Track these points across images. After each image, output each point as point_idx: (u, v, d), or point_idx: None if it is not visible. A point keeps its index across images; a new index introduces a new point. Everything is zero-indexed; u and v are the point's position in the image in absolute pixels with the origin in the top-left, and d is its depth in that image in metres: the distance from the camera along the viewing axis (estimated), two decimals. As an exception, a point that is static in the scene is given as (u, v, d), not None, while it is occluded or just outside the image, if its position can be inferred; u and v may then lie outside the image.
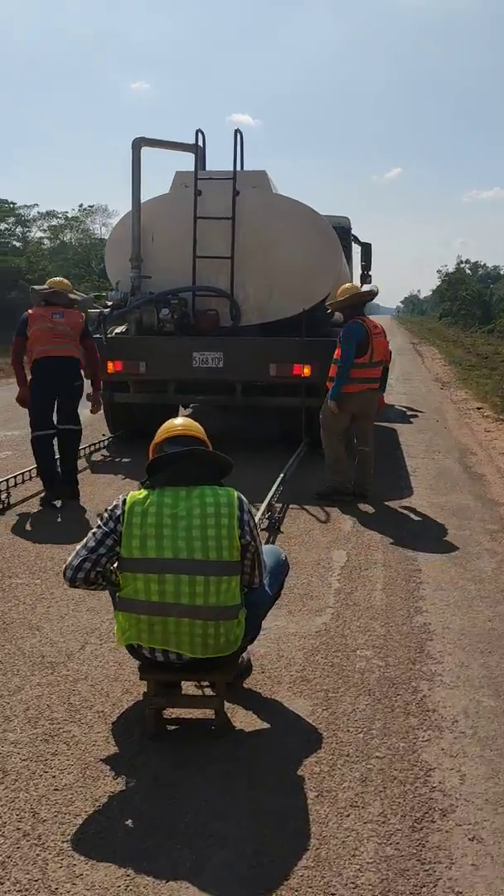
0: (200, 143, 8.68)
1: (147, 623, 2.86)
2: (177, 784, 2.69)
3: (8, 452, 8.24)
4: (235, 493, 2.95)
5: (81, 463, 7.67)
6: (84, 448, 8.11)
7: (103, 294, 9.00)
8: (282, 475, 6.55)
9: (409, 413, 11.76)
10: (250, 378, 8.14)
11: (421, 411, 11.94)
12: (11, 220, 52.56)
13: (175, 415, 9.50)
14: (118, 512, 2.89)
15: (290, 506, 6.30)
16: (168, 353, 8.15)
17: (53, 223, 51.83)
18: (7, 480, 6.40)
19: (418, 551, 5.23)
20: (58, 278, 6.92)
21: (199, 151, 8.58)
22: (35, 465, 6.54)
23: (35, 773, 2.73)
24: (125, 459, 8.25)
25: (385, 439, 9.38)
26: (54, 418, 6.45)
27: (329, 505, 6.34)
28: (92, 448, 8.40)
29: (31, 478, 6.77)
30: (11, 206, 52.30)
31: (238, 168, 8.56)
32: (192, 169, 8.74)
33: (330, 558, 5.09)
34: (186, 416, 5.23)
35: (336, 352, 6.54)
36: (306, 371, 7.74)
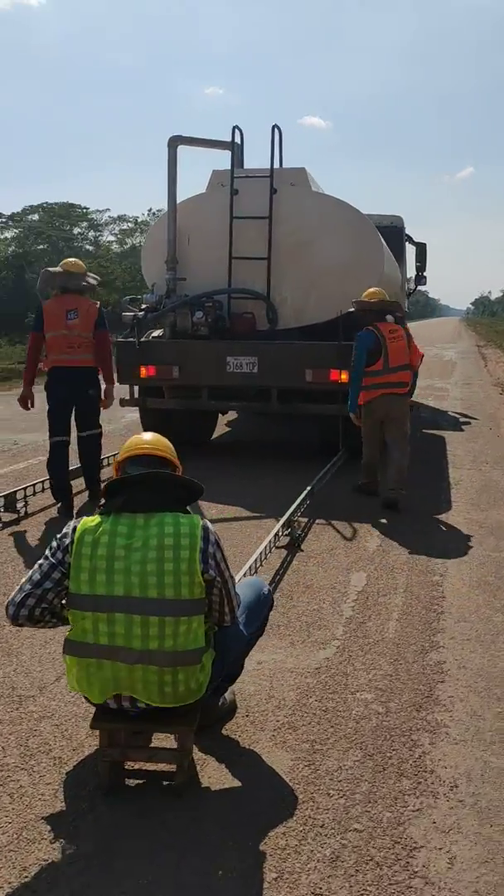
0: (238, 139, 8.35)
1: (97, 667, 2.55)
2: (118, 855, 2.36)
3: (33, 461, 8.07)
4: (200, 522, 2.61)
5: (107, 472, 7.47)
6: (112, 456, 7.92)
7: (139, 297, 8.76)
8: (308, 488, 6.18)
9: (461, 420, 11.20)
10: (286, 384, 7.79)
11: (475, 418, 11.36)
12: (84, 224, 53.47)
13: (212, 422, 9.46)
14: (66, 541, 2.59)
15: (317, 521, 5.93)
16: (201, 357, 7.87)
17: (124, 227, 52.48)
18: (25, 489, 6.21)
19: (445, 575, 4.81)
20: (72, 259, 6.61)
21: (235, 149, 8.26)
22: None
23: (-35, 833, 2.45)
24: (156, 467, 7.98)
25: (431, 447, 8.91)
26: (72, 426, 6.35)
27: (356, 520, 5.94)
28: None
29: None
30: (84, 210, 53.23)
31: (278, 166, 8.22)
32: (240, 167, 8.44)
33: (348, 581, 4.71)
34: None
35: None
36: (344, 377, 7.33)
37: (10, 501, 5.91)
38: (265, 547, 4.80)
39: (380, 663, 3.64)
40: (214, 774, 2.78)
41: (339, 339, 7.40)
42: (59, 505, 6.17)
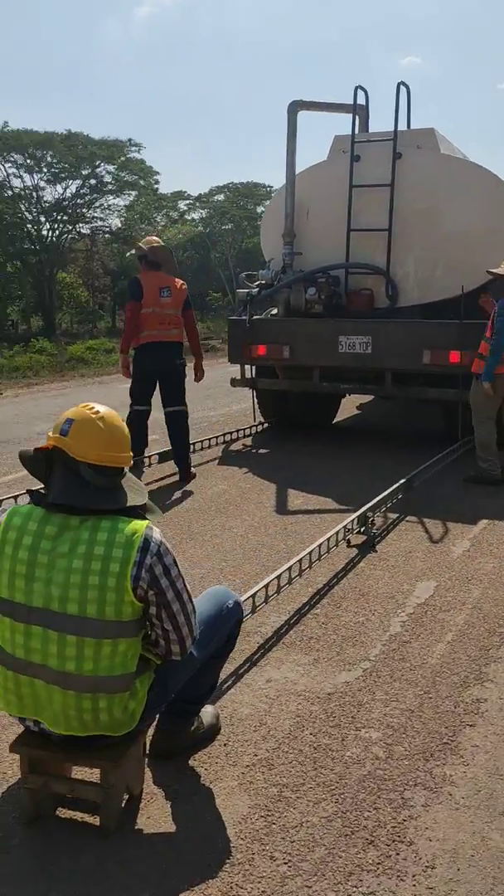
0: (361, 101, 7.76)
1: (14, 682, 2.28)
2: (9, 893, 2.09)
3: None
4: (142, 531, 2.21)
5: (211, 452, 7.32)
6: (223, 436, 7.75)
7: (255, 273, 8.44)
8: (403, 480, 5.62)
9: None
10: (400, 366, 7.19)
11: None
12: (267, 202, 53.76)
13: (333, 404, 8.94)
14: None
15: (407, 518, 5.38)
16: (312, 336, 7.44)
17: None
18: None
19: (529, 592, 4.13)
20: (155, 237, 6.78)
21: (359, 111, 7.67)
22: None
23: None
24: (262, 450, 7.71)
25: None
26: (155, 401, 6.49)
27: (453, 520, 5.33)
28: (233, 436, 7.96)
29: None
30: (268, 189, 53.49)
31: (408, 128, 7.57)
32: (365, 131, 7.90)
33: (411, 591, 4.17)
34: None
35: (487, 329, 5.99)
36: (465, 359, 6.63)
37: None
38: (320, 545, 4.35)
39: (405, 695, 3.12)
40: (155, 814, 2.44)
41: (461, 317, 6.69)
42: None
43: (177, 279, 6.38)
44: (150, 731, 2.69)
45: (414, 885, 2.16)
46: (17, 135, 37.83)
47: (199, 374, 6.64)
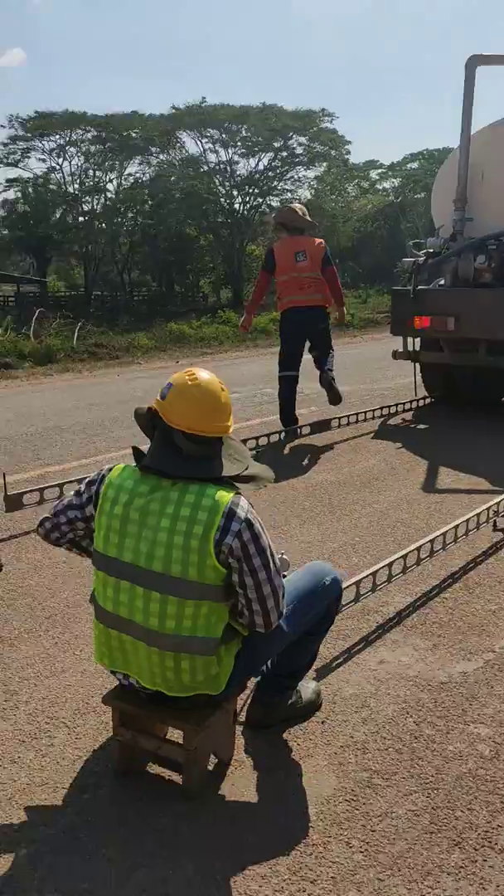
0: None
1: (106, 636, 2.34)
2: (90, 840, 2.17)
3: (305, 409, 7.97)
4: (228, 499, 2.17)
5: (368, 426, 7.21)
6: (381, 409, 7.60)
7: (422, 242, 8.10)
8: None
9: None
10: None
11: None
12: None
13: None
14: (94, 488, 2.34)
15: None
16: (480, 308, 7.04)
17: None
18: (257, 439, 6.17)
19: None
20: (291, 204, 6.87)
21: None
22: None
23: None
24: (420, 426, 7.45)
25: None
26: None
27: None
28: (391, 410, 7.75)
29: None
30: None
31: None
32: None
33: None
34: None
35: None
36: None
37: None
38: (458, 525, 4.13)
39: (527, 692, 2.90)
40: (240, 782, 2.43)
41: None
42: (283, 434, 6.51)
43: (315, 239, 6.48)
44: (244, 701, 2.68)
45: (496, 894, 1.99)
46: (214, 110, 38.67)
47: (340, 317, 6.90)
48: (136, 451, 2.39)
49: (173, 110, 38.86)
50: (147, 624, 2.21)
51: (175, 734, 2.47)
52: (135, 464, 2.33)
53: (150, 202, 39.54)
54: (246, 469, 2.38)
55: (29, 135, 38.18)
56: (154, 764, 2.48)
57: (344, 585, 3.21)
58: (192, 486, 2.21)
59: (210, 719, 2.34)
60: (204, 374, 2.31)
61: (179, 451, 2.25)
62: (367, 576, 3.40)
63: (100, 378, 12.31)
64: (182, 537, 2.15)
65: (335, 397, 6.61)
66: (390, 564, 3.60)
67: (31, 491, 4.70)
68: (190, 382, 2.27)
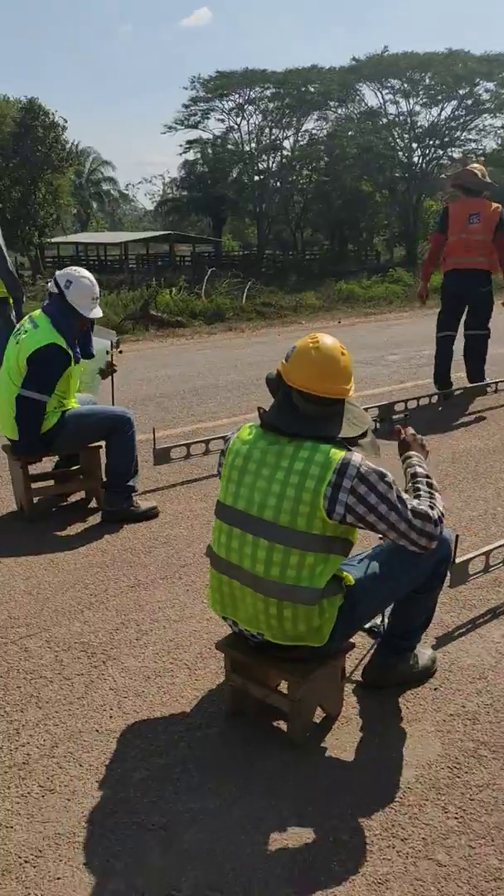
0: None
1: (218, 581, 2.47)
2: (196, 778, 2.33)
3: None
4: (341, 456, 2.22)
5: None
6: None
7: None
8: None
9: None
10: None
11: None
12: None
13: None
14: (225, 446, 2.50)
15: None
16: None
17: None
18: (406, 402, 6.09)
19: None
20: (474, 164, 6.59)
21: None
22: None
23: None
24: None
25: None
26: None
27: None
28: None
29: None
30: None
31: None
32: None
33: None
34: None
35: None
36: None
37: (387, 413, 5.85)
38: None
39: None
40: (345, 738, 2.50)
41: None
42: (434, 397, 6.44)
43: (492, 203, 6.20)
44: (359, 661, 2.72)
45: None
46: (396, 59, 37.49)
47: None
48: (261, 411, 2.47)
49: (353, 62, 38.04)
50: (254, 570, 2.31)
51: (284, 685, 2.56)
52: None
53: (325, 159, 39.15)
54: (363, 436, 2.40)
55: (209, 95, 38.76)
56: (263, 712, 2.58)
57: (473, 555, 3.17)
58: (307, 443, 2.28)
59: (315, 673, 2.41)
60: (327, 339, 2.36)
61: (296, 410, 2.33)
62: (498, 546, 3.32)
63: (261, 337, 12.51)
64: (294, 489, 2.23)
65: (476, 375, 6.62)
66: (526, 537, 3.48)
67: (178, 446, 4.92)
68: (311, 345, 2.34)
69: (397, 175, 38.89)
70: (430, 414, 6.35)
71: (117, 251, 37.38)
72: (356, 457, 2.25)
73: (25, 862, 2.03)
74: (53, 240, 36.00)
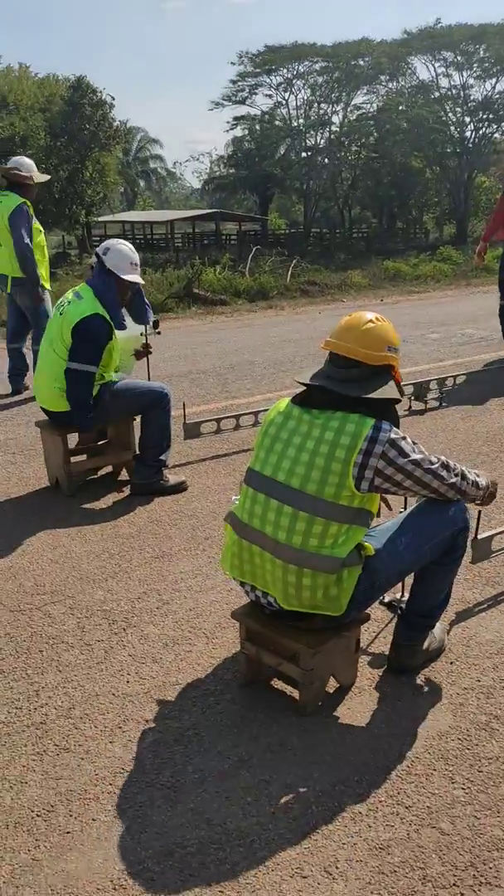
0: None
1: (238, 547, 2.50)
2: (204, 742, 2.38)
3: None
4: (371, 424, 2.27)
5: None
6: None
7: None
8: None
9: None
10: None
11: None
12: None
13: None
14: (265, 415, 2.56)
15: None
16: None
17: None
18: (444, 380, 6.02)
19: None
20: None
21: None
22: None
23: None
24: None
25: None
26: None
27: None
28: None
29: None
30: None
31: None
32: None
33: None
34: None
35: None
36: None
37: (422, 391, 5.79)
38: None
39: None
40: (357, 707, 2.52)
41: None
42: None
43: None
44: (376, 634, 2.73)
45: None
46: (449, 31, 36.65)
47: None
48: (298, 383, 2.51)
49: (405, 35, 37.29)
50: (276, 536, 2.35)
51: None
52: None
53: (375, 134, 38.53)
54: (393, 400, 2.41)
55: (257, 70, 38.38)
56: (276, 680, 2.62)
57: (497, 531, 3.15)
58: (338, 414, 2.33)
59: (328, 643, 2.43)
60: (367, 313, 2.45)
61: (328, 376, 2.40)
62: (521, 522, 3.28)
63: (300, 315, 12.45)
64: (324, 459, 2.28)
65: None
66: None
67: (207, 421, 4.96)
68: (350, 314, 2.45)
69: (448, 150, 38.10)
70: (467, 391, 6.27)
71: (163, 230, 37.46)
72: (385, 424, 2.30)
73: (37, 816, 2.10)
74: (100, 218, 36.20)
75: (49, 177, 6.12)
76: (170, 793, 2.17)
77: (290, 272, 18.58)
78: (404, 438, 2.32)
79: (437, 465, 2.36)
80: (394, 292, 14.93)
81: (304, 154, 38.93)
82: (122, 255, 4.04)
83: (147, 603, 3.16)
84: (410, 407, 5.80)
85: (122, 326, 4.10)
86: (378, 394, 2.37)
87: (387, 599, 2.89)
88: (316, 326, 10.44)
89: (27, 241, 6.04)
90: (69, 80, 29.95)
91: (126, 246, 4.10)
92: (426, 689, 2.60)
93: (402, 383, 2.60)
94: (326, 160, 38.53)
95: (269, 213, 43.05)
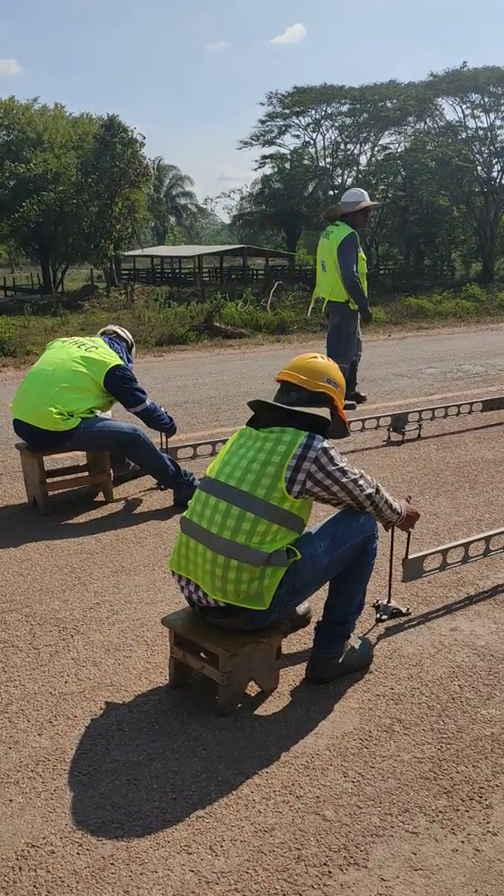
0: None
1: (179, 542, 2.75)
2: (122, 740, 2.58)
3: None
4: (305, 435, 2.61)
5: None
6: None
7: None
8: None
9: None
10: None
11: None
12: None
13: None
14: None
15: None
16: None
17: None
18: (420, 413, 6.20)
19: None
20: None
21: None
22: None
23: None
24: None
25: None
26: None
27: None
28: None
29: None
30: None
31: None
32: None
33: None
34: None
35: None
36: None
37: (400, 422, 5.98)
38: None
39: None
40: (272, 709, 2.70)
41: None
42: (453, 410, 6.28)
43: None
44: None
45: (462, 843, 2.11)
46: (476, 74, 37.19)
47: None
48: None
49: (431, 77, 37.90)
50: (209, 529, 2.62)
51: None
52: None
53: (402, 173, 39.03)
54: (323, 421, 2.73)
55: (286, 111, 39.17)
56: (204, 683, 2.81)
57: (427, 552, 3.34)
58: (277, 428, 2.66)
59: (245, 648, 2.63)
60: (317, 354, 2.94)
61: (274, 401, 2.77)
62: (456, 546, 3.46)
63: (308, 348, 12.71)
64: (260, 464, 2.60)
65: None
66: (488, 539, 3.61)
67: (185, 446, 5.21)
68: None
69: (476, 190, 38.46)
70: (449, 423, 6.45)
71: (191, 264, 38.15)
72: (318, 436, 2.63)
73: (-40, 795, 2.30)
74: (129, 253, 36.99)
75: (376, 202, 6.73)
76: (84, 779, 2.37)
77: (311, 307, 18.90)
78: (334, 448, 2.62)
79: (357, 476, 2.67)
80: (404, 328, 15.14)
81: (331, 192, 39.51)
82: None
83: (98, 613, 3.38)
84: (389, 438, 6.00)
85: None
86: (305, 409, 2.67)
87: (377, 603, 3.26)
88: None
89: (354, 269, 6.68)
90: (102, 119, 30.88)
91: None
92: (341, 695, 2.77)
93: (346, 423, 2.91)
94: (353, 198, 39.05)
95: (296, 249, 43.63)
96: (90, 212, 28.89)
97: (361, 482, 2.68)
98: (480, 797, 2.28)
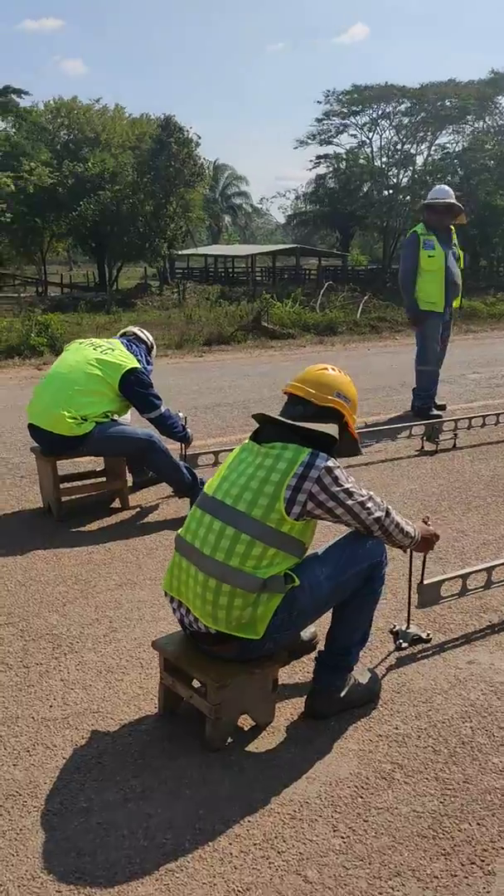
0: None
1: (173, 562, 2.58)
2: (93, 774, 2.41)
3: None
4: (308, 452, 2.38)
5: None
6: None
7: None
8: None
9: None
10: None
11: None
12: None
13: None
14: None
15: None
16: None
17: None
18: (457, 422, 5.92)
19: None
20: None
21: None
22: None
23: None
24: None
25: None
26: None
27: None
28: None
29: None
30: None
31: None
32: None
33: None
34: None
35: None
36: None
37: (434, 431, 5.72)
38: None
39: None
40: (264, 746, 2.50)
41: None
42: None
43: None
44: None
45: (456, 917, 1.88)
46: (538, 70, 36.34)
47: None
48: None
49: (492, 75, 37.12)
50: (202, 549, 2.42)
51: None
52: None
53: (460, 172, 38.30)
54: (330, 438, 2.50)
55: (344, 110, 38.77)
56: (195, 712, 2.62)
57: (445, 577, 3.10)
58: (280, 444, 2.45)
59: (235, 679, 2.43)
60: (328, 365, 2.70)
61: (280, 415, 2.57)
62: (478, 570, 3.22)
63: (351, 351, 12.45)
64: (258, 482, 2.39)
65: None
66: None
67: (206, 453, 5.03)
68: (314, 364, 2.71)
69: (534, 189, 37.52)
70: (487, 433, 6.15)
71: (244, 263, 38.05)
72: (322, 454, 2.39)
73: None
74: (182, 252, 37.06)
75: (434, 201, 6.56)
76: (53, 819, 2.20)
77: (360, 308, 18.60)
78: (339, 468, 2.40)
79: (364, 498, 2.43)
80: (456, 331, 14.70)
81: (385, 192, 38.99)
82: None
83: (96, 630, 3.22)
84: (423, 447, 5.74)
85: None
86: (310, 426, 2.44)
87: (394, 629, 3.08)
88: (361, 363, 10.42)
89: (407, 268, 6.66)
90: (159, 120, 30.98)
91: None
92: (341, 733, 2.56)
93: (358, 440, 2.70)
94: (408, 198, 38.44)
95: (350, 249, 43.20)
96: (145, 211, 29.00)
97: (369, 504, 2.44)
98: (482, 861, 2.05)
